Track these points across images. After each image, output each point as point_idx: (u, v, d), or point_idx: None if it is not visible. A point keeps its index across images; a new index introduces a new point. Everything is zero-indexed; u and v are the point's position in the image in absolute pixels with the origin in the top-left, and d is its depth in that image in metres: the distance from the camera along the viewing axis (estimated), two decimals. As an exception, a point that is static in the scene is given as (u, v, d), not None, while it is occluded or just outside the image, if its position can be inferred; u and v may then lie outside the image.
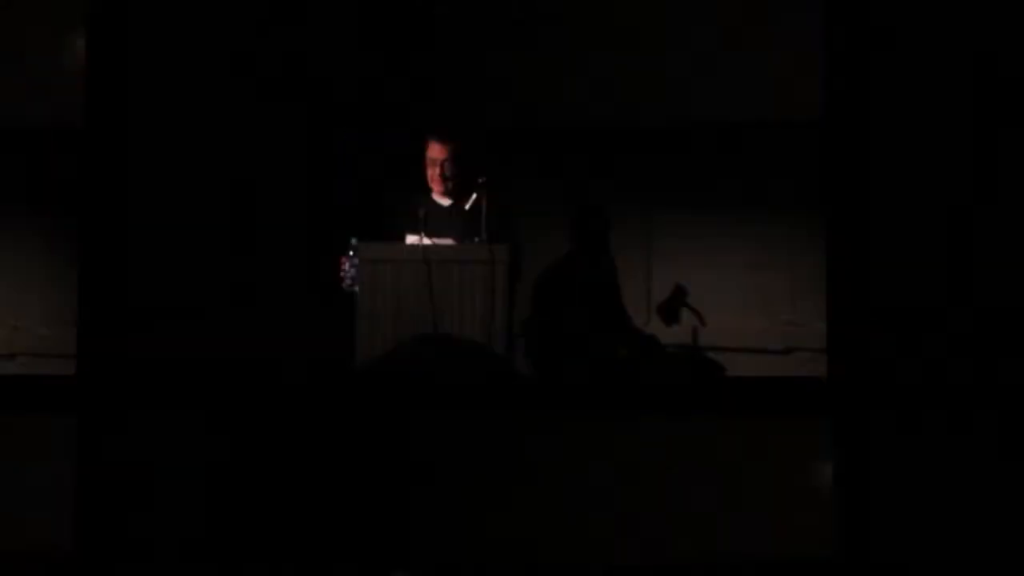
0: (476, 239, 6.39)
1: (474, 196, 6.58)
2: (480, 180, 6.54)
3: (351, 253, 6.39)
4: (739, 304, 7.35)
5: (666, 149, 7.49)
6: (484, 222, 6.41)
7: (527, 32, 7.60)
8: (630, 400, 6.42)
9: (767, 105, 7.31)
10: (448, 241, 6.51)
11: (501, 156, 7.15)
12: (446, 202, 6.81)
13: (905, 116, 6.60)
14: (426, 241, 6.42)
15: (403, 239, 6.51)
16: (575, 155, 7.53)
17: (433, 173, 6.69)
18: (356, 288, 6.37)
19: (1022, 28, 6.47)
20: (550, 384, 6.76)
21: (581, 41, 7.51)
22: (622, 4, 7.50)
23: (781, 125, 7.22)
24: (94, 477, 6.03)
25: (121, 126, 6.37)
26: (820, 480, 6.46)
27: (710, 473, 6.43)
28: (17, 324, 7.11)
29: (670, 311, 7.04)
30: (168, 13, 6.50)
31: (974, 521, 6.25)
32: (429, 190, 6.81)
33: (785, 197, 7.30)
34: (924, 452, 6.28)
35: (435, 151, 6.71)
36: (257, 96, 6.85)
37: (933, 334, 6.36)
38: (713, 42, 7.41)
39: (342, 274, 6.40)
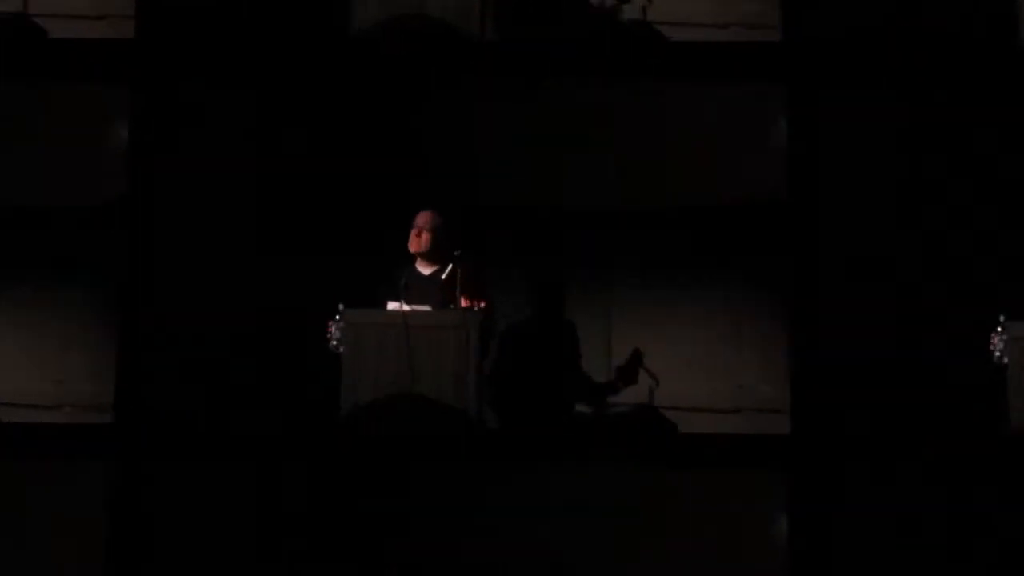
0: (451, 306, 7.22)
1: (450, 267, 7.37)
2: (456, 252, 7.34)
3: (338, 318, 7.19)
4: (691, 367, 7.80)
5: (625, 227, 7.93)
6: (458, 291, 7.23)
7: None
8: (586, 449, 7.33)
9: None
10: (426, 308, 7.33)
11: (477, 232, 7.85)
12: (426, 271, 7.55)
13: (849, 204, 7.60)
14: (406, 308, 7.22)
15: (386, 306, 7.39)
16: (545, 231, 8.08)
17: (413, 235, 7.47)
18: (341, 349, 7.24)
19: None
20: (511, 435, 7.48)
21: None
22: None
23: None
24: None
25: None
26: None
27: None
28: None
29: (628, 372, 7.74)
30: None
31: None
32: (412, 259, 7.54)
33: (730, 273, 7.83)
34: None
35: (419, 218, 7.51)
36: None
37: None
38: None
39: (329, 336, 7.22)
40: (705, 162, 7.83)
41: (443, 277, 7.45)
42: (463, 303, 7.26)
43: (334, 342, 7.24)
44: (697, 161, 7.86)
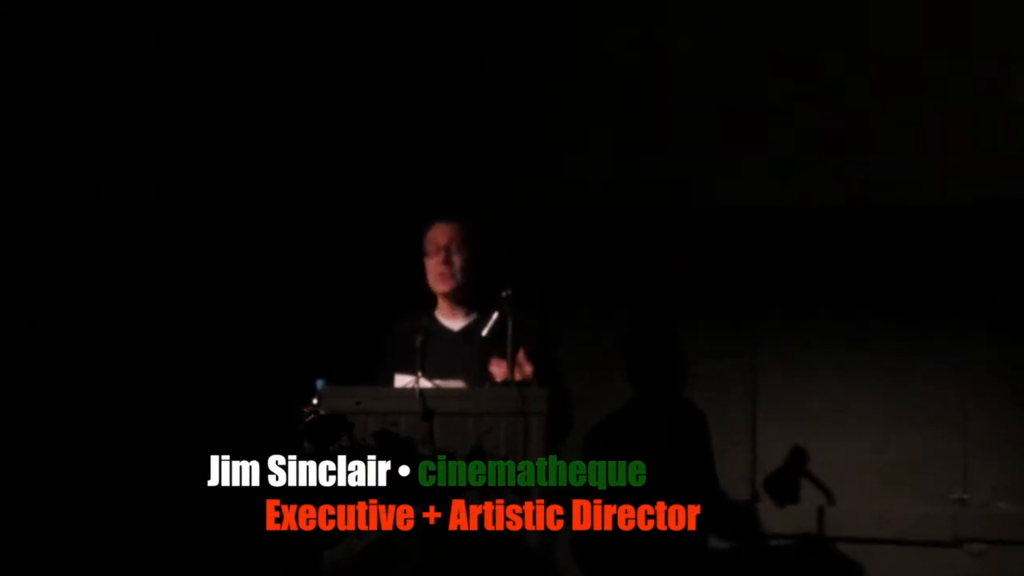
0: (501, 380, 4.76)
1: (495, 316, 4.81)
2: (505, 293, 4.79)
3: (315, 401, 4.71)
4: (883, 474, 5.79)
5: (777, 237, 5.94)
6: (510, 354, 4.70)
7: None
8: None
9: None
10: (458, 383, 4.85)
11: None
12: (456, 324, 5.02)
13: None
14: (424, 383, 4.72)
15: (391, 379, 4.90)
16: (641, 251, 6.05)
17: (436, 263, 4.98)
18: (322, 451, 4.83)
19: None
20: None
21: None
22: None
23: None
24: None
25: None
26: None
27: None
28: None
29: (783, 484, 5.83)
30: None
31: None
32: (430, 305, 5.07)
33: (953, 309, 5.73)
34: None
35: (439, 234, 5.00)
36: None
37: None
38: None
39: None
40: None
41: (484, 332, 4.83)
42: (526, 370, 4.72)
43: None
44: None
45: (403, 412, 4.62)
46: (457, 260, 4.92)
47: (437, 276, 4.94)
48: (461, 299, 4.97)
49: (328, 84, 6.12)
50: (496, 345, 4.76)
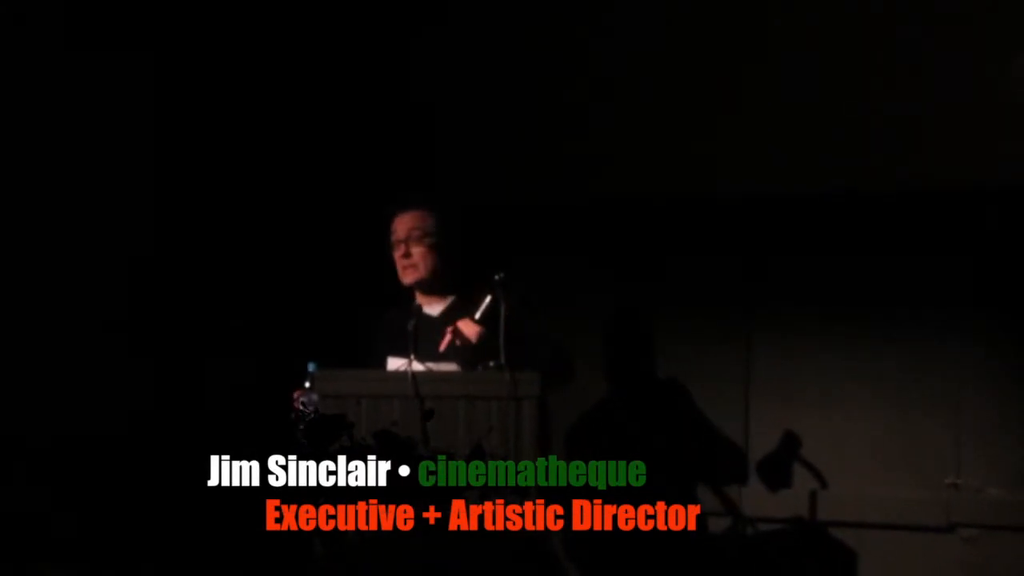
0: (492, 363, 4.62)
1: (488, 299, 4.71)
2: (498, 276, 4.71)
3: (307, 385, 4.69)
4: (876, 459, 5.62)
5: (770, 223, 5.78)
6: (503, 338, 4.58)
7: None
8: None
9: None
10: (450, 366, 4.75)
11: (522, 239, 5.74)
12: (435, 309, 4.97)
13: None
14: (417, 366, 4.60)
15: (384, 364, 4.85)
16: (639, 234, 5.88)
17: (398, 256, 4.95)
18: (314, 436, 4.72)
19: None
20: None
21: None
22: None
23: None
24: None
25: None
26: None
27: None
28: None
29: (775, 468, 5.65)
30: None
31: None
32: (410, 296, 5.04)
33: (947, 295, 5.57)
34: None
35: (399, 227, 4.97)
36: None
37: None
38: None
39: (295, 415, 4.62)
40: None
41: (477, 316, 4.74)
42: (468, 332, 4.70)
43: (302, 426, 4.57)
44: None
45: (396, 395, 4.54)
46: (416, 251, 4.87)
47: (401, 269, 4.91)
48: (431, 287, 4.92)
49: (321, 78, 6.07)
50: (488, 328, 4.68)
